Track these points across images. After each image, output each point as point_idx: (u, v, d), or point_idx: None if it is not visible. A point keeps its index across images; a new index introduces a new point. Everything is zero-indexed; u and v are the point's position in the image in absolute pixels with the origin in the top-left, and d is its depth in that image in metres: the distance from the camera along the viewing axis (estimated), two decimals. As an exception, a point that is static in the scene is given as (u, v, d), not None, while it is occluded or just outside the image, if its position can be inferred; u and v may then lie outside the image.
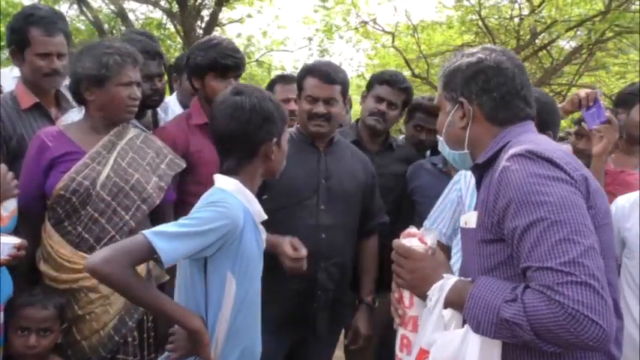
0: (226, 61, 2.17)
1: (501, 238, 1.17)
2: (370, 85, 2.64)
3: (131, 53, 1.94)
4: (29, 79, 2.22)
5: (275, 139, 1.58)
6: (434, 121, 2.75)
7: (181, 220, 1.41)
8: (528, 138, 1.24)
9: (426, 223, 2.30)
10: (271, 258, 2.13)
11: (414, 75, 11.84)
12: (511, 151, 1.17)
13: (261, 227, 1.60)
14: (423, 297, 1.25)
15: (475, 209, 1.29)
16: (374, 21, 12.55)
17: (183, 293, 1.49)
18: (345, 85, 2.23)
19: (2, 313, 1.77)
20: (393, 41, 12.19)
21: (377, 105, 2.56)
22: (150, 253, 1.34)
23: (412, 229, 1.37)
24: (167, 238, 1.35)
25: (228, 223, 1.42)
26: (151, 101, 2.33)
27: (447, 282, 1.21)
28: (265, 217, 1.61)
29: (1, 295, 1.76)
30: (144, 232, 1.36)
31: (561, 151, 1.20)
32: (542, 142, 1.21)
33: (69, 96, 2.35)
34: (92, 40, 2.05)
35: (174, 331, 1.49)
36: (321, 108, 2.16)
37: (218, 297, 1.46)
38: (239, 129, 1.52)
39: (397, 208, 2.66)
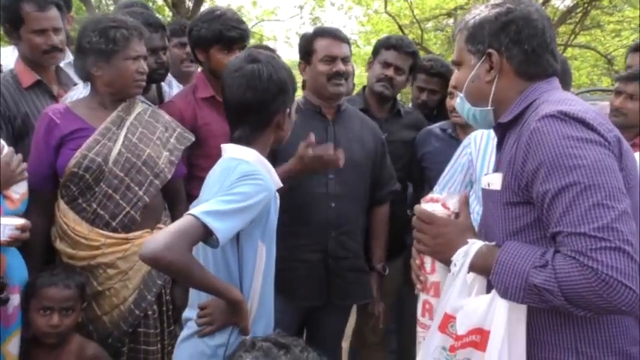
0: (231, 33, 2.13)
1: (528, 200, 1.14)
2: (376, 51, 2.60)
3: (137, 27, 1.90)
4: (28, 56, 2.18)
5: (288, 109, 1.57)
6: (434, 81, 2.86)
7: (224, 197, 1.38)
8: (558, 96, 1.19)
9: (436, 188, 2.30)
10: (283, 228, 2.15)
11: (407, 41, 11.71)
12: (542, 112, 1.13)
13: (276, 194, 1.60)
14: (447, 262, 1.24)
15: (497, 170, 1.26)
16: (366, -14, 12.34)
17: (212, 266, 1.48)
18: (350, 45, 2.25)
19: (18, 295, 1.77)
20: (385, 7, 11.99)
21: (384, 70, 2.53)
22: (205, 234, 1.32)
23: (434, 195, 1.34)
24: (219, 217, 1.32)
25: (267, 195, 1.42)
26: (157, 75, 2.29)
27: (473, 247, 1.19)
28: (281, 184, 1.60)
29: (15, 278, 1.75)
30: (193, 212, 1.33)
31: (593, 111, 1.15)
32: (574, 102, 1.16)
33: (69, 72, 2.32)
34: (96, 14, 1.99)
35: (206, 305, 1.48)
36: (341, 66, 2.16)
37: (252, 267, 1.47)
38: (255, 98, 1.49)
39: (407, 175, 2.67)
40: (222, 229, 1.31)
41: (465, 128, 2.36)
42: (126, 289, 1.86)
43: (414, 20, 11.01)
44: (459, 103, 1.36)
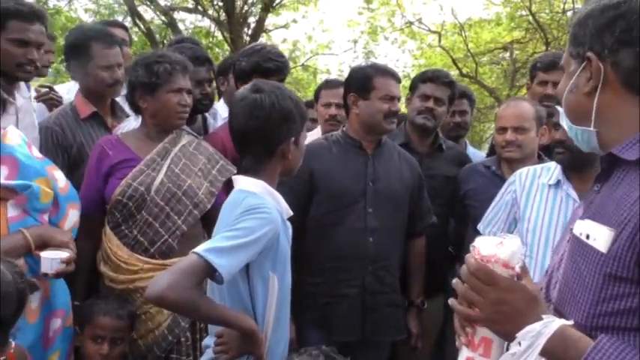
0: (269, 65, 2.21)
1: None
2: (414, 86, 2.62)
3: (181, 61, 2.00)
4: (92, 89, 2.33)
5: (293, 138, 1.56)
6: (463, 102, 2.91)
7: (227, 233, 1.40)
8: None
9: (480, 226, 2.25)
10: (323, 261, 2.15)
11: (461, 74, 11.62)
12: None
13: (288, 223, 1.60)
14: (506, 337, 0.98)
15: (594, 217, 0.97)
16: (419, 21, 12.41)
17: (227, 297, 1.50)
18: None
19: (60, 319, 1.83)
20: (439, 41, 12.01)
21: (424, 103, 2.53)
22: (209, 271, 1.34)
23: (486, 241, 1.03)
24: (222, 254, 1.34)
25: (271, 228, 1.43)
26: (202, 105, 2.40)
27: (548, 327, 0.93)
28: (291, 212, 1.60)
29: (58, 303, 1.82)
30: (197, 251, 1.35)
31: None
32: None
33: (124, 105, 2.47)
34: (146, 51, 2.12)
35: (222, 333, 1.50)
36: (398, 106, 2.23)
37: (263, 297, 1.48)
38: (258, 127, 1.50)
39: (447, 210, 2.62)
40: (225, 265, 1.33)
41: (512, 165, 2.31)
42: (161, 314, 1.91)
43: (469, 54, 10.94)
44: (560, 118, 1.19)
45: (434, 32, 12.25)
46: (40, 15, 2.16)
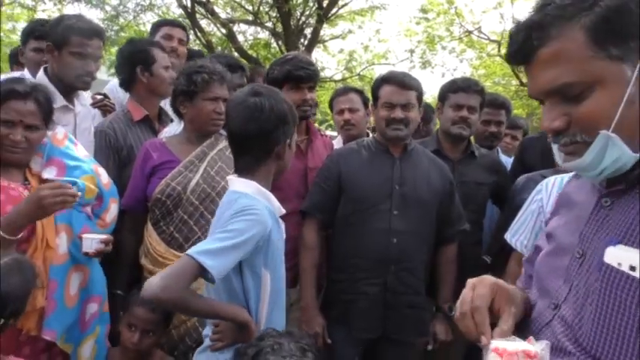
0: (299, 73, 2.31)
1: None
2: (443, 97, 2.63)
3: (218, 72, 2.14)
4: (155, 91, 2.56)
5: (288, 140, 1.63)
6: (501, 113, 2.86)
7: (219, 234, 1.47)
8: None
9: (507, 235, 2.23)
10: (347, 259, 2.21)
11: (521, 84, 11.30)
12: None
13: (280, 220, 1.66)
14: None
15: (635, 244, 0.82)
16: (479, 30, 12.21)
17: (222, 292, 1.57)
18: (419, 91, 2.28)
19: (96, 304, 1.98)
20: (499, 50, 11.74)
21: (458, 112, 2.55)
22: (201, 271, 1.41)
23: (514, 345, 0.86)
24: (213, 255, 1.41)
25: (261, 229, 1.49)
26: None
27: None
28: (284, 211, 1.65)
29: (95, 289, 1.98)
30: (189, 252, 1.43)
31: None
32: None
33: (169, 111, 2.66)
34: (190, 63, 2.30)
35: (218, 323, 1.60)
36: (399, 113, 2.22)
37: (256, 292, 1.56)
38: (257, 130, 1.56)
39: (480, 216, 2.62)
40: (216, 266, 1.40)
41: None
42: (193, 306, 2.03)
43: (529, 62, 10.62)
44: (609, 150, 0.82)
45: (494, 41, 12.00)
46: (99, 31, 2.40)
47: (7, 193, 1.73)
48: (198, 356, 1.65)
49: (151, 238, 2.12)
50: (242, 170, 1.64)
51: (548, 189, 2.08)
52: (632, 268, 0.80)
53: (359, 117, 3.07)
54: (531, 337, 0.86)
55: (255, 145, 1.59)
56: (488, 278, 0.98)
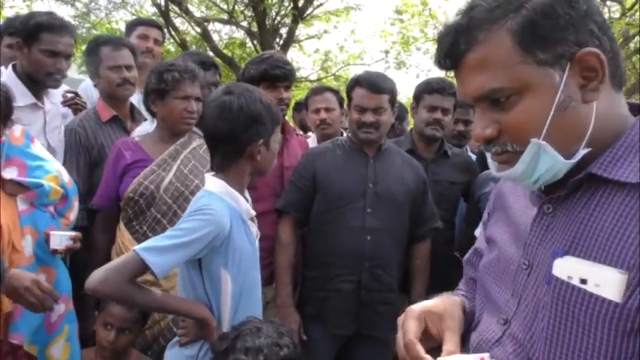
0: (276, 72, 2.31)
1: None
2: (418, 97, 2.66)
3: (189, 70, 2.12)
4: (105, 91, 2.50)
5: (262, 140, 1.59)
6: (470, 112, 2.91)
7: (170, 232, 1.48)
8: None
9: (477, 231, 2.28)
10: (321, 256, 2.23)
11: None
12: None
13: (250, 222, 1.63)
14: None
15: (586, 255, 0.77)
16: (452, 31, 12.37)
17: (190, 290, 1.57)
18: (392, 93, 2.28)
19: (63, 305, 1.94)
20: (471, 51, 11.90)
21: (431, 114, 2.58)
22: (144, 268, 1.41)
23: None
24: (157, 252, 1.41)
25: (213, 229, 1.46)
26: None
27: None
28: (253, 213, 1.63)
29: (62, 289, 1.93)
30: (135, 248, 1.43)
31: None
32: None
33: (142, 110, 2.63)
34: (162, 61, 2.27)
35: (184, 319, 1.60)
36: (369, 117, 2.23)
37: (216, 292, 1.54)
38: (226, 128, 1.55)
39: (453, 214, 2.67)
40: (158, 263, 1.40)
41: None
42: (166, 306, 2.01)
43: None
44: (532, 160, 0.80)
45: (466, 42, 12.19)
46: (70, 28, 2.35)
47: None
48: (168, 352, 1.65)
49: (124, 237, 2.10)
50: (215, 168, 1.63)
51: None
52: (583, 281, 0.75)
53: (335, 116, 3.09)
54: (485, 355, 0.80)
55: (226, 144, 1.58)
56: (414, 309, 0.95)
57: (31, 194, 1.81)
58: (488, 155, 0.88)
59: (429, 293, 2.46)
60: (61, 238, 1.82)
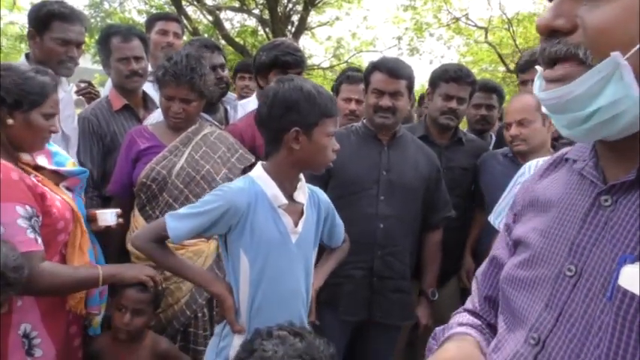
0: (287, 58, 2.31)
1: None
2: (434, 84, 2.62)
3: (173, 72, 2.05)
4: (115, 82, 2.52)
5: (298, 129, 1.52)
6: (493, 97, 2.86)
7: (194, 203, 1.60)
8: None
9: (491, 217, 2.26)
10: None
11: (508, 70, 11.35)
12: None
13: (281, 211, 1.59)
14: None
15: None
16: (466, 16, 12.23)
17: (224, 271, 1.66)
18: (410, 80, 2.27)
19: None
20: (486, 36, 11.78)
21: (446, 103, 2.55)
22: (165, 230, 1.54)
23: None
24: (176, 218, 1.55)
25: (223, 204, 1.52)
26: (219, 89, 2.52)
27: None
28: (285, 202, 1.58)
29: (102, 263, 1.98)
30: (168, 213, 1.58)
31: None
32: None
33: (155, 98, 2.64)
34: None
35: None
36: (386, 101, 2.22)
37: (235, 272, 1.58)
38: (262, 115, 1.57)
39: (465, 201, 2.64)
40: (173, 227, 1.53)
41: (527, 157, 2.30)
42: (179, 290, 2.04)
43: (517, 49, 10.68)
44: (601, 80, 0.60)
45: (481, 28, 12.03)
46: (81, 17, 2.37)
47: (25, 182, 1.70)
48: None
49: (137, 222, 2.12)
50: (265, 155, 1.66)
51: (531, 171, 2.10)
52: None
53: (362, 109, 3.03)
54: None
55: (264, 131, 1.63)
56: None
57: (74, 181, 1.86)
58: (537, 70, 0.70)
59: (440, 281, 2.49)
60: (111, 215, 1.94)
